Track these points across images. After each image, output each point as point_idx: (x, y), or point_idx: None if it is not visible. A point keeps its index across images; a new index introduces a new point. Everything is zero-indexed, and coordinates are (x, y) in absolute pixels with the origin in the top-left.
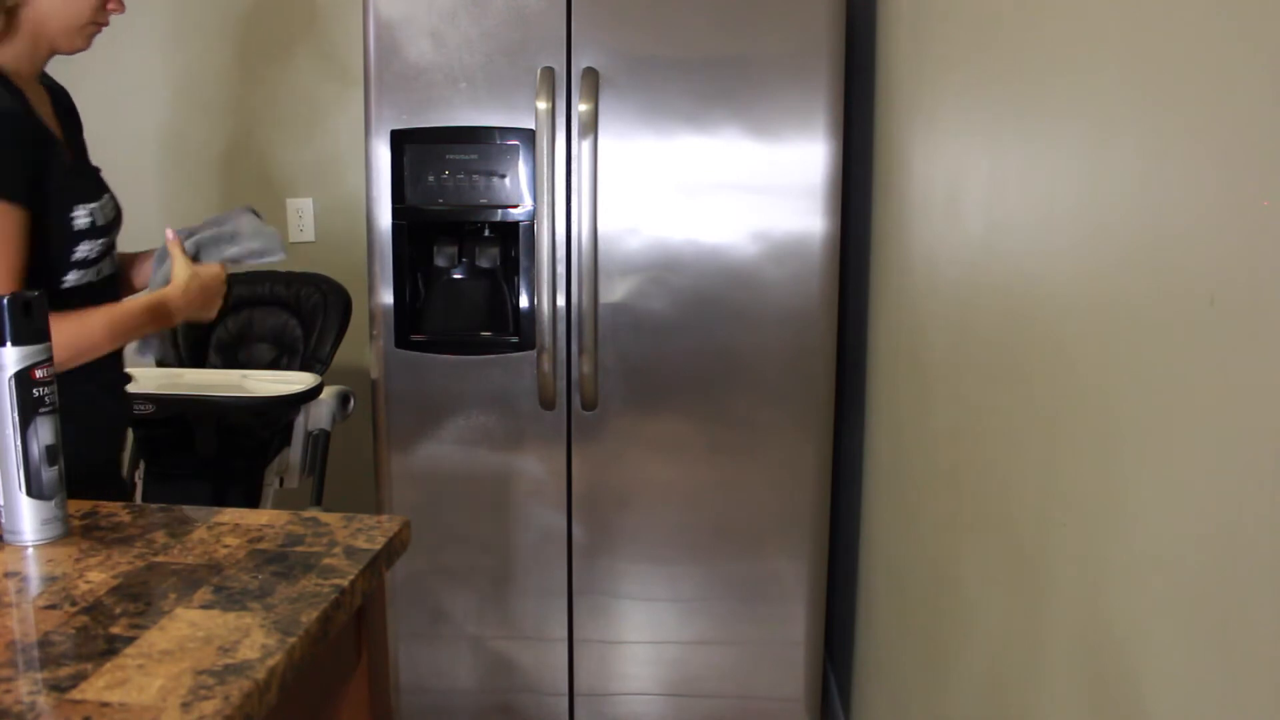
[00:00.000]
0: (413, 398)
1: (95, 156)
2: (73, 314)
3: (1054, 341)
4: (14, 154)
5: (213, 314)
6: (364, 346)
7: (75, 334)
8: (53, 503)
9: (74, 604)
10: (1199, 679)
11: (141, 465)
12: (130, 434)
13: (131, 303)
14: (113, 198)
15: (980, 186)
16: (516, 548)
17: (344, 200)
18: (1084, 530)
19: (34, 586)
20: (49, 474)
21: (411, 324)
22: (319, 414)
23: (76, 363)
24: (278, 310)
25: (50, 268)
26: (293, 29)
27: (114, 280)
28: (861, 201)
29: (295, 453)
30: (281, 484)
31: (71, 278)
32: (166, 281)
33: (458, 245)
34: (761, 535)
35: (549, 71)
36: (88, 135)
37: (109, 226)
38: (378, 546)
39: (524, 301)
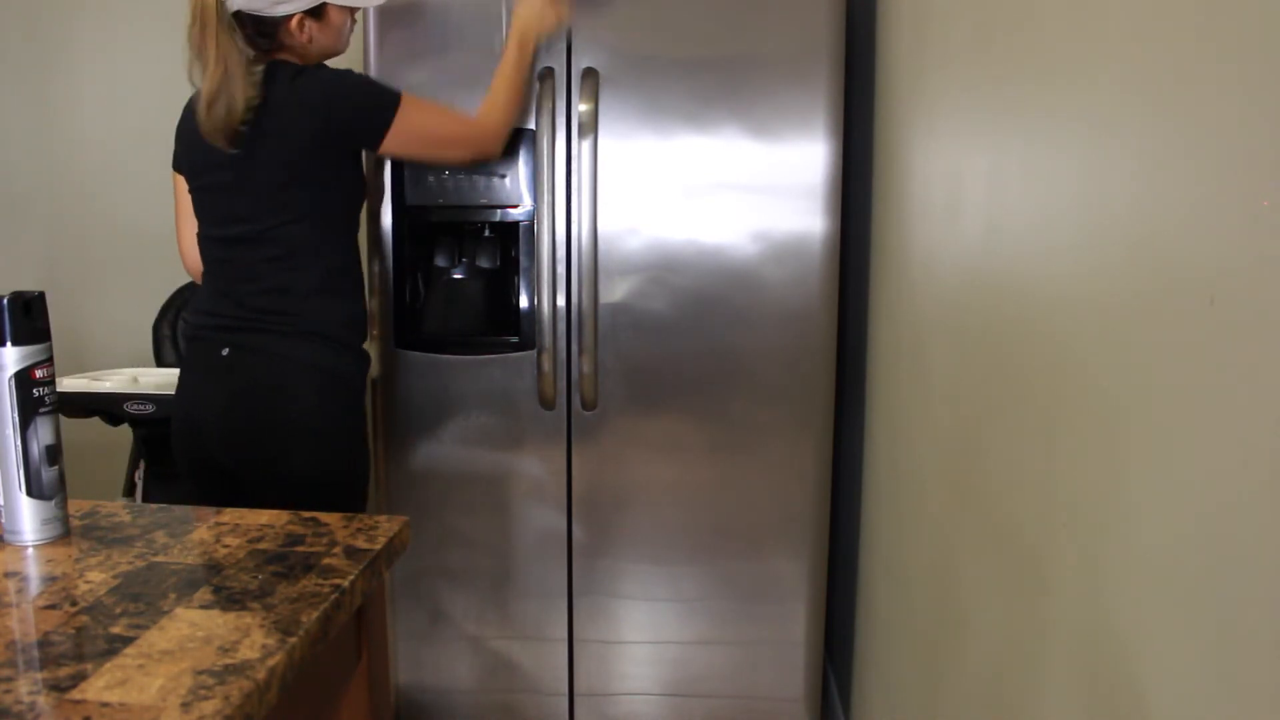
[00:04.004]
0: (413, 398)
1: (95, 156)
2: (494, 78)
3: (1054, 341)
4: None
5: (547, 23)
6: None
7: (500, 98)
8: (53, 503)
9: (74, 604)
10: (1199, 679)
11: (141, 465)
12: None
13: (503, 59)
14: None
15: (980, 186)
16: (516, 548)
17: None
18: (1084, 530)
19: (34, 586)
20: (49, 474)
21: (411, 324)
22: None
23: (519, 108)
24: None
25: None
26: None
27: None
28: (861, 201)
29: None
30: None
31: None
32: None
33: (458, 245)
34: (761, 535)
35: (549, 71)
36: (87, 135)
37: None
38: (378, 546)
39: (524, 301)
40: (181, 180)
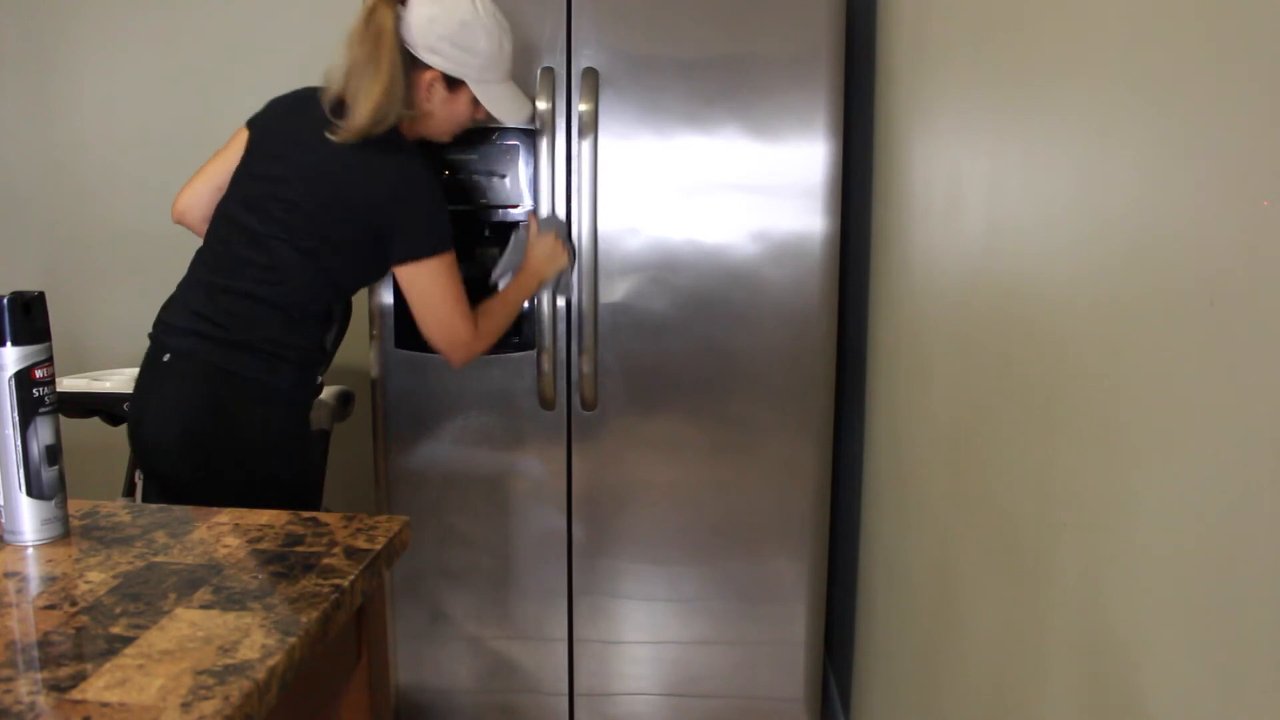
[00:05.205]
0: (413, 398)
1: (95, 157)
2: (484, 310)
3: (1054, 341)
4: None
5: (561, 264)
6: (364, 346)
7: (497, 324)
8: (53, 503)
9: (74, 604)
10: (1199, 679)
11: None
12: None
13: (509, 286)
14: None
15: (980, 186)
16: (516, 548)
17: None
18: (1084, 530)
19: (34, 586)
20: (49, 474)
21: (411, 324)
22: (319, 414)
23: (494, 341)
24: None
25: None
26: (293, 30)
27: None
28: (861, 201)
29: None
30: None
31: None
32: (511, 263)
33: (458, 245)
34: (761, 535)
35: (549, 71)
36: (87, 136)
37: None
38: (378, 546)
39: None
40: (243, 135)
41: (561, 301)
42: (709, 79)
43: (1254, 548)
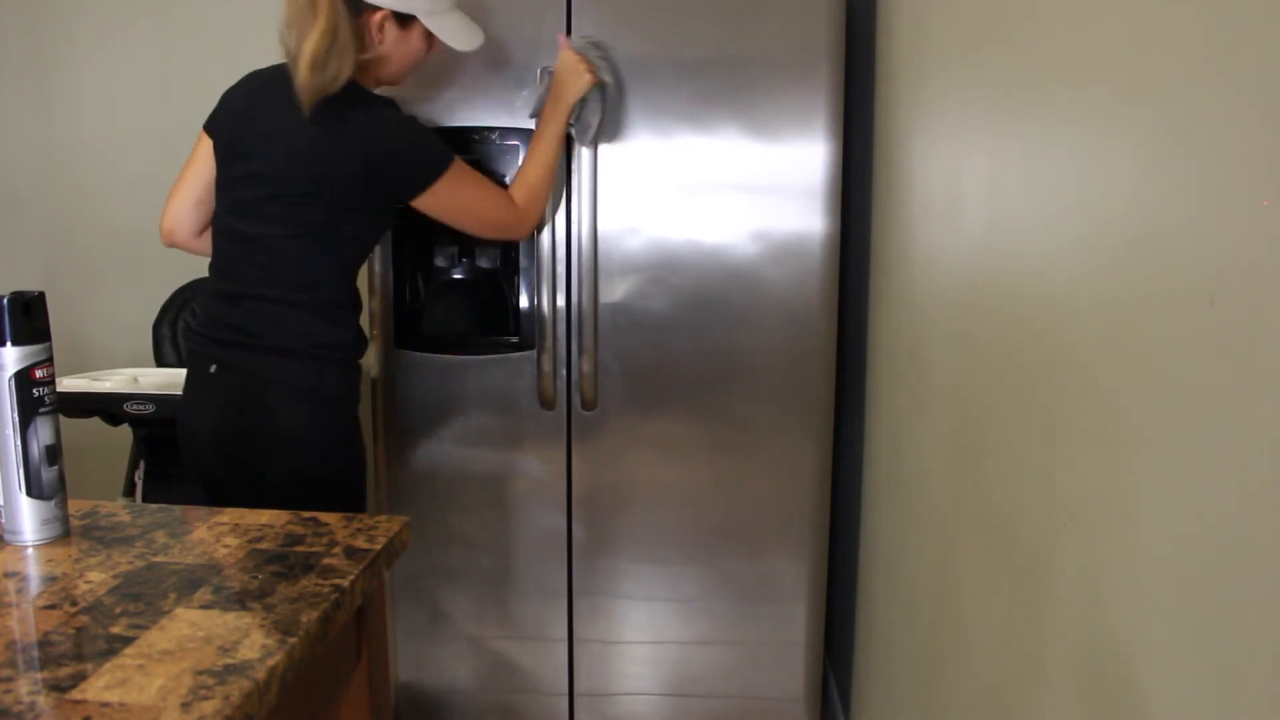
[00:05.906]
0: (413, 398)
1: (95, 157)
2: (519, 180)
3: (1054, 341)
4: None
5: (581, 83)
6: None
7: (538, 184)
8: (53, 503)
9: (74, 604)
10: (1199, 680)
11: (141, 465)
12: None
13: (538, 129)
14: None
15: (980, 186)
16: (516, 548)
17: None
18: (1084, 530)
19: (34, 586)
20: (49, 474)
21: (411, 324)
22: None
23: (545, 197)
24: None
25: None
26: None
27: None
28: (861, 201)
29: None
30: None
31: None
32: (541, 101)
33: (458, 245)
34: (761, 535)
35: (549, 72)
36: (87, 135)
37: None
38: (378, 546)
39: (524, 301)
40: (205, 141)
41: (561, 301)
42: (709, 79)
43: (1254, 548)
